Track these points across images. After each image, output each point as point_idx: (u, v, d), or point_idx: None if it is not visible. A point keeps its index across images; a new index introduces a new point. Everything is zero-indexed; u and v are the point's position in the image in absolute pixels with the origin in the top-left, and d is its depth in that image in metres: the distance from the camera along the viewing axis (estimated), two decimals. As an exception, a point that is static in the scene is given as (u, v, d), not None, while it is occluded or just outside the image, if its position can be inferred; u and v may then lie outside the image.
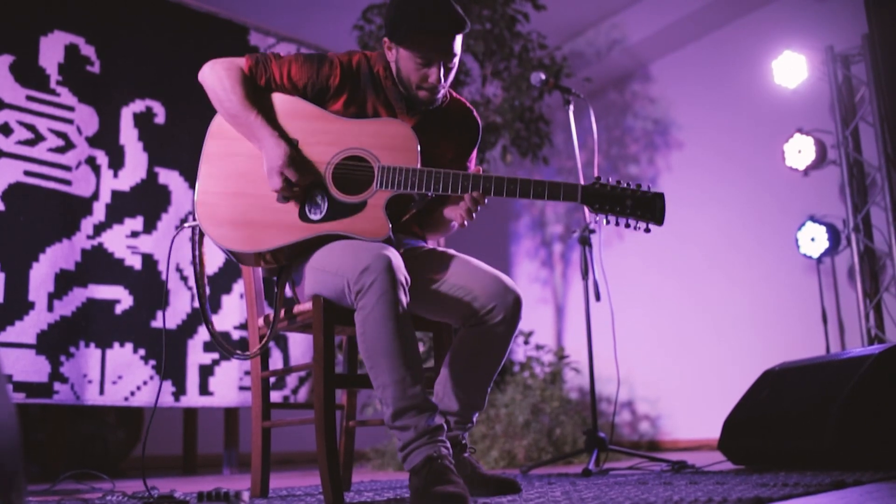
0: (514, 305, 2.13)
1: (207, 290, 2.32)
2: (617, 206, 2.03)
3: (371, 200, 2.07)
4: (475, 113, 2.37)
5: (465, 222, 2.12)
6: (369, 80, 2.20)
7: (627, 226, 2.05)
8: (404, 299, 1.91)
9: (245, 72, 2.17)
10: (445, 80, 2.14)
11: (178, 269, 4.00)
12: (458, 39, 2.11)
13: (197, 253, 2.23)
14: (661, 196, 2.04)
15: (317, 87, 2.17)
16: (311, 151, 2.12)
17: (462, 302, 2.13)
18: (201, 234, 2.22)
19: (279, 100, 2.18)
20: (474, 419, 2.22)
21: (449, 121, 2.29)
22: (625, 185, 2.05)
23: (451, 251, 2.26)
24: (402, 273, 1.92)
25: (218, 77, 2.15)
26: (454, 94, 2.35)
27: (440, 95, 2.18)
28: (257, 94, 2.16)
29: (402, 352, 1.87)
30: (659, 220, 2.04)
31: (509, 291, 2.13)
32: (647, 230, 2.06)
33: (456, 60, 2.15)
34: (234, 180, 2.13)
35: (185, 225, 2.24)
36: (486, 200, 2.06)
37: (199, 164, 2.17)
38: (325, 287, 2.04)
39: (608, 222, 2.06)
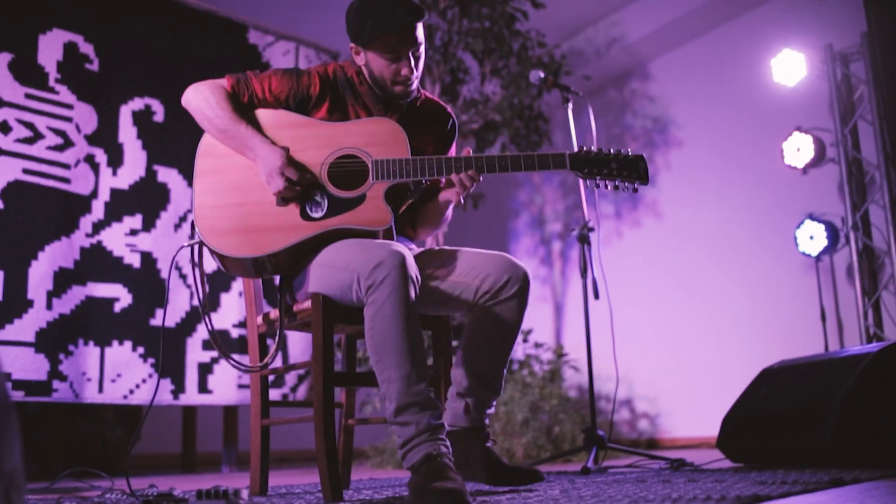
0: (524, 278, 2.20)
1: (207, 289, 2.32)
2: (604, 169, 2.18)
3: (370, 192, 2.11)
4: (449, 108, 2.45)
5: (462, 199, 2.21)
6: (346, 86, 2.27)
7: (616, 188, 2.20)
8: (414, 296, 1.93)
9: (228, 90, 2.21)
10: (416, 69, 2.22)
11: (177, 268, 4.00)
12: (420, 27, 2.19)
13: (198, 273, 2.24)
14: (641, 157, 2.20)
15: (298, 97, 2.22)
16: (304, 156, 2.15)
17: (472, 285, 2.18)
18: (201, 252, 2.23)
19: (264, 114, 2.22)
20: (493, 404, 2.25)
21: (424, 118, 2.36)
22: (607, 150, 2.19)
23: (451, 247, 2.29)
24: (413, 270, 1.95)
25: (203, 97, 2.19)
26: (426, 93, 2.43)
27: (414, 87, 2.25)
28: (242, 110, 2.21)
29: (409, 348, 1.89)
30: (644, 180, 2.20)
31: (518, 266, 2.21)
32: (636, 190, 2.21)
33: (422, 49, 2.23)
34: (231, 192, 2.16)
35: (185, 244, 2.24)
36: (481, 178, 2.15)
37: (194, 183, 2.19)
38: (332, 282, 2.05)
39: (598, 186, 2.21)
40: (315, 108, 2.23)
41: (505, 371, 2.24)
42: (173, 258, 2.40)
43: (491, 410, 2.25)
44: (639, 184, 2.19)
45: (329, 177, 2.13)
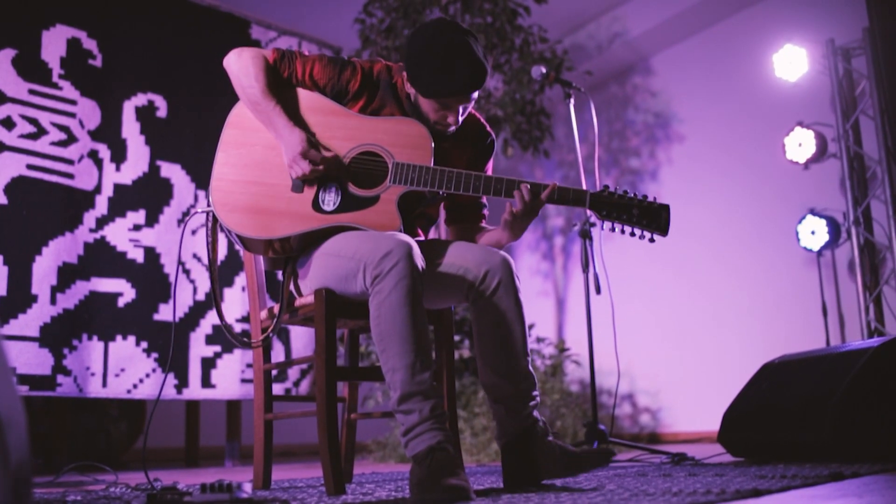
0: (503, 265, 2.13)
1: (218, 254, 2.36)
2: (623, 214, 2.11)
3: (384, 195, 2.11)
4: (488, 128, 2.41)
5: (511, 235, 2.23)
6: (388, 89, 2.25)
7: (633, 234, 2.12)
8: (420, 287, 1.94)
9: (270, 62, 2.22)
10: (462, 115, 2.19)
11: (181, 262, 4.02)
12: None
13: (210, 240, 2.27)
14: (666, 207, 2.11)
15: (336, 88, 2.23)
16: (328, 145, 2.17)
17: (456, 277, 2.15)
18: (215, 220, 2.26)
19: (301, 94, 2.24)
20: (536, 396, 2.15)
21: (461, 132, 2.32)
22: (632, 194, 2.11)
23: (440, 239, 2.31)
24: (420, 261, 1.96)
25: (243, 64, 2.20)
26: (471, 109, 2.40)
27: (452, 129, 2.22)
28: (279, 85, 2.22)
29: (414, 337, 1.90)
30: (664, 231, 2.11)
31: (494, 254, 2.15)
32: (652, 240, 2.12)
33: (474, 100, 2.19)
34: (249, 169, 2.18)
35: (199, 210, 2.27)
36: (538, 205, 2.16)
37: (216, 152, 2.21)
38: (336, 272, 2.06)
39: (613, 230, 2.12)
40: (350, 103, 2.23)
41: (528, 359, 2.15)
42: (185, 222, 2.43)
43: (534, 402, 2.13)
44: (657, 235, 2.11)
45: (348, 171, 2.15)
